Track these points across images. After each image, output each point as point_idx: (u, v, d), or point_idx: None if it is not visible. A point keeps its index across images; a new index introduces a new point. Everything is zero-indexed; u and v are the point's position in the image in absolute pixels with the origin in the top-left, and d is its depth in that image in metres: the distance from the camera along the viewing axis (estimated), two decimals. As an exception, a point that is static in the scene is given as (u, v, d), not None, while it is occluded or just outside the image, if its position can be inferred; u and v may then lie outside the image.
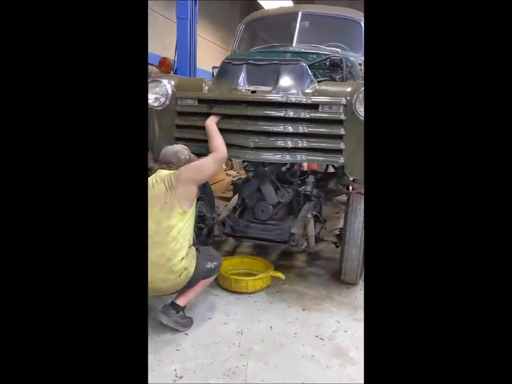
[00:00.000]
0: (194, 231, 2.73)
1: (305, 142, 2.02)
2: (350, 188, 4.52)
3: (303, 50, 2.71)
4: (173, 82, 2.28)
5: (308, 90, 2.07)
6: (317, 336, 1.92)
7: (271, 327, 1.99)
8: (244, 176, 6.07)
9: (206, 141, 2.16)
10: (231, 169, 7.48)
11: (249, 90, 2.07)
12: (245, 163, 2.86)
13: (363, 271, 2.41)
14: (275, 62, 2.11)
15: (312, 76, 2.13)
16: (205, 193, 2.88)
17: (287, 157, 2.05)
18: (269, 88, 2.06)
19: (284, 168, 2.69)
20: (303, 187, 2.82)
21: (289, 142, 2.02)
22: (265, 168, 2.49)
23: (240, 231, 2.52)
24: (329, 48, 2.80)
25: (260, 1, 8.46)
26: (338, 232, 2.59)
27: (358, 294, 2.41)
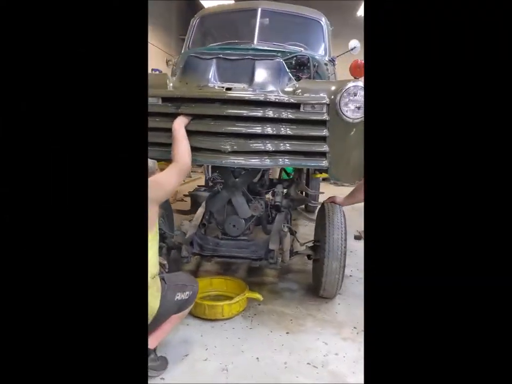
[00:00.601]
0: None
1: (287, 145, 1.83)
2: (304, 193, 4.51)
3: (266, 48, 2.56)
4: None
5: (287, 89, 1.90)
6: (309, 363, 1.76)
7: (257, 358, 1.79)
8: (192, 183, 5.74)
9: (170, 145, 1.88)
10: (176, 176, 7.10)
11: (222, 87, 1.83)
12: (213, 174, 2.62)
13: (341, 284, 2.31)
14: (249, 57, 1.91)
15: (290, 73, 1.97)
16: (163, 208, 2.59)
17: (267, 162, 1.84)
18: (244, 86, 1.86)
19: (255, 179, 2.51)
20: (272, 197, 2.68)
21: (269, 145, 1.82)
22: (237, 179, 2.29)
23: (211, 249, 2.29)
24: (292, 47, 2.69)
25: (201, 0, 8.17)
26: (312, 244, 2.47)
27: (337, 309, 2.30)
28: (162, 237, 2.50)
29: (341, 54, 2.80)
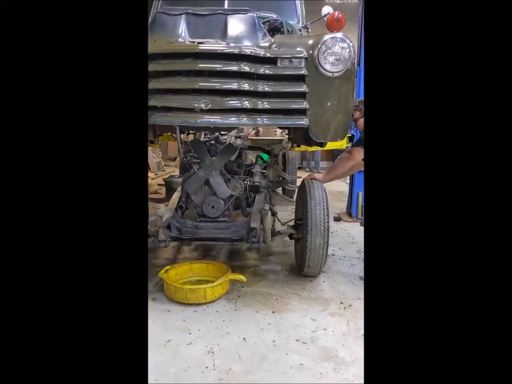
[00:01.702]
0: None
1: (265, 103, 1.74)
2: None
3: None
4: None
5: (262, 44, 1.81)
6: (298, 340, 1.70)
7: (244, 338, 1.71)
8: (164, 177, 5.58)
9: None
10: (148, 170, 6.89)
11: (193, 42, 1.72)
12: (188, 154, 2.50)
13: (325, 261, 2.27)
14: (220, 11, 1.82)
15: (264, 29, 1.89)
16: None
17: (245, 120, 1.74)
18: (217, 40, 1.76)
19: (232, 158, 2.42)
20: (251, 178, 2.59)
21: (246, 102, 1.72)
22: (213, 157, 2.19)
23: (190, 232, 2.18)
24: (264, 13, 2.61)
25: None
26: (294, 223, 2.41)
27: (322, 287, 2.26)
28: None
29: (314, 21, 2.74)
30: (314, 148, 2.79)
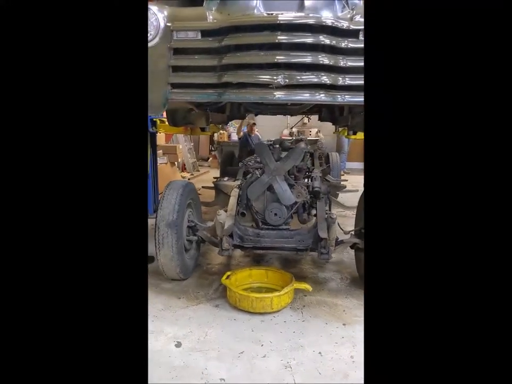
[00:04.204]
0: (184, 245, 2.26)
1: (347, 79, 1.64)
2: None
3: None
4: (166, 13, 1.73)
5: (342, 16, 1.73)
6: (377, 356, 1.62)
7: (320, 352, 1.65)
8: (199, 178, 5.55)
9: (212, 86, 1.69)
10: (183, 170, 6.94)
11: (272, 13, 1.64)
12: (248, 158, 2.45)
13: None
14: None
15: (344, 1, 1.82)
16: (192, 198, 2.43)
17: (323, 97, 1.64)
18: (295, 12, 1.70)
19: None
20: (310, 183, 2.52)
21: (325, 77, 1.63)
22: (278, 162, 2.13)
23: (252, 241, 2.13)
24: None
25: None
26: (358, 232, 2.32)
27: (388, 298, 2.16)
28: (193, 230, 2.34)
29: None
30: None
